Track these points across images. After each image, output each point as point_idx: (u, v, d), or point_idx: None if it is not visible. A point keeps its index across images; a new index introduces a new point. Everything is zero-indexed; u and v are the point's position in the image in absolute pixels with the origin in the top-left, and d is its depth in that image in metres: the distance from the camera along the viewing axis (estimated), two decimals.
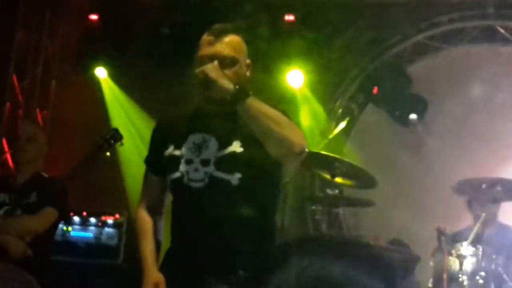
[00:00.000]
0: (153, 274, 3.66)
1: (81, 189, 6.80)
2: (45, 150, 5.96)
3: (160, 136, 3.85)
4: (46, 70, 9.23)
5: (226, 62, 3.62)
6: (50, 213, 5.63)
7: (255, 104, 3.50)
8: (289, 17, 8.58)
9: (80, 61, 8.89)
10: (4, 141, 8.66)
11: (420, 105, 8.36)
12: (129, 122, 8.87)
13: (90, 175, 6.21)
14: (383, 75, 8.52)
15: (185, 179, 3.63)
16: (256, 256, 3.64)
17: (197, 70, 3.56)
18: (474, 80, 8.39)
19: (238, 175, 3.57)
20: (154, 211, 3.87)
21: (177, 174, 3.67)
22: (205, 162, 3.62)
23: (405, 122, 8.41)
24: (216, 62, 3.59)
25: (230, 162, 3.60)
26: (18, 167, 5.91)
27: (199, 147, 3.66)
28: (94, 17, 8.91)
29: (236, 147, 3.61)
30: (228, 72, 3.60)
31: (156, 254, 3.77)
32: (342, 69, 8.74)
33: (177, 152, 3.70)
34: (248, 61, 3.78)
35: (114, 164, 8.20)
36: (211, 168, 3.60)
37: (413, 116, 8.34)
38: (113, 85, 9.05)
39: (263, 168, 3.62)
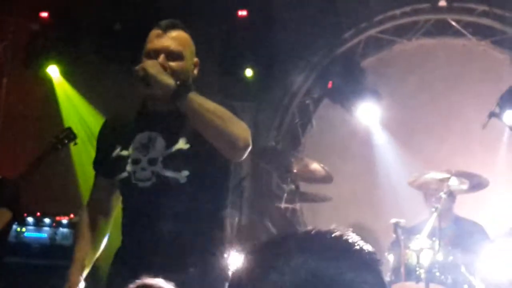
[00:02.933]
0: (71, 279, 3.62)
1: (35, 189, 6.72)
2: None
3: (107, 138, 3.85)
4: None
5: (172, 56, 3.61)
6: (3, 214, 5.58)
7: (197, 99, 3.49)
8: (242, 12, 8.54)
9: (31, 58, 8.76)
10: None
11: (374, 99, 8.36)
12: (82, 121, 8.76)
13: (43, 174, 6.15)
14: (337, 69, 8.51)
15: (133, 179, 3.62)
16: (206, 253, 3.61)
17: (137, 67, 3.52)
18: (427, 73, 8.45)
19: (186, 173, 3.56)
20: (100, 212, 3.84)
21: (124, 174, 3.65)
22: (152, 161, 3.60)
23: (360, 116, 8.42)
24: (162, 56, 3.57)
25: (177, 160, 3.58)
26: None
27: (146, 147, 3.64)
28: (44, 14, 8.80)
29: (182, 144, 3.59)
30: (173, 64, 3.57)
31: (90, 257, 3.73)
32: (296, 65, 8.73)
33: (124, 153, 3.68)
34: (195, 59, 3.77)
35: (68, 163, 8.11)
36: (158, 167, 3.58)
37: (367, 109, 8.35)
38: (65, 83, 8.94)
39: (211, 164, 3.60)
